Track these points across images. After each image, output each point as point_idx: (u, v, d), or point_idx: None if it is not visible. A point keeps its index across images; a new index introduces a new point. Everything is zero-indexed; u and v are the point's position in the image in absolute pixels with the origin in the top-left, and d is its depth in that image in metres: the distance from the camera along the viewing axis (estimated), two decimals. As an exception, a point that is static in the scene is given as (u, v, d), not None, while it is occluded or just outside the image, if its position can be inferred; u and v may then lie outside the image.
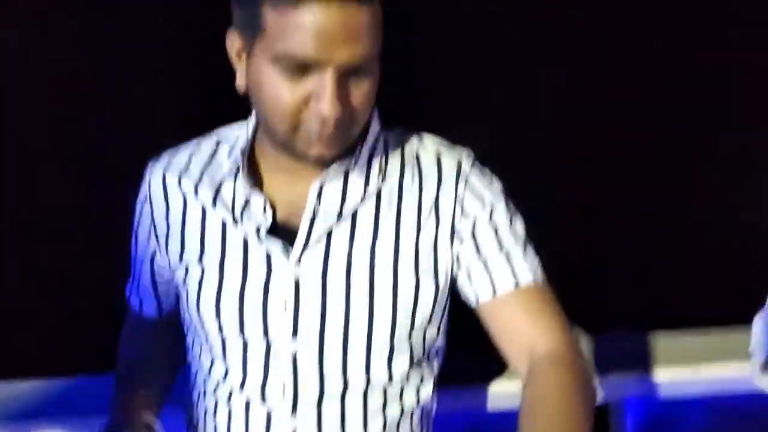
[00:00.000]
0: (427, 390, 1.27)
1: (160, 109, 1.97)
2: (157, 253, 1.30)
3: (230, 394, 1.23)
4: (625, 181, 2.20)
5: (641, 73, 2.16)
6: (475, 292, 1.21)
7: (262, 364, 1.20)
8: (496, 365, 1.47)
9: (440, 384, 1.32)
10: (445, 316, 1.26)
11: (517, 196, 1.27)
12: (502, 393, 1.58)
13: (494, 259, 1.19)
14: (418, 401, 1.25)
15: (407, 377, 1.22)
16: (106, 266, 1.56)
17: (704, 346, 1.83)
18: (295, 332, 1.18)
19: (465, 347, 1.41)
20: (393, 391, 1.22)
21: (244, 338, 1.20)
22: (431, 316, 1.22)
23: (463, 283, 1.22)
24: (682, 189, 2.25)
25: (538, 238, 1.27)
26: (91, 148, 2.00)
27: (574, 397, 1.11)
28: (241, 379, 1.21)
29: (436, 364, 1.30)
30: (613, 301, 2.16)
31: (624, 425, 1.84)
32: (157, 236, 1.28)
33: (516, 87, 2.08)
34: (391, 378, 1.21)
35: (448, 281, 1.23)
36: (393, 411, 1.22)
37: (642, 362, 1.75)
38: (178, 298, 1.33)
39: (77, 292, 2.05)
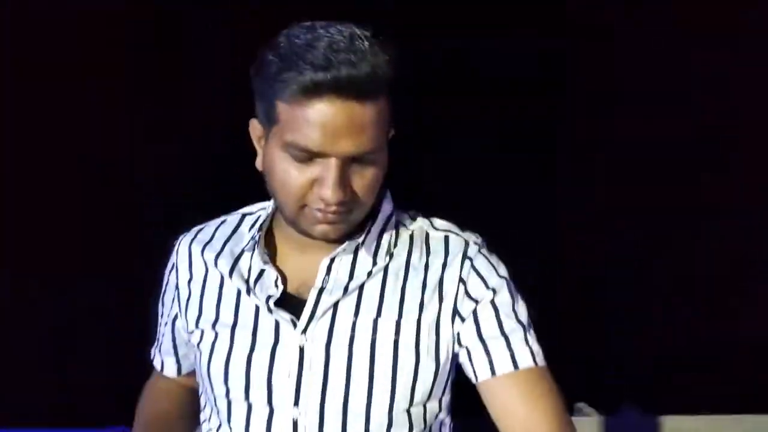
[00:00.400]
0: None
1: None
2: (179, 317, 1.35)
3: None
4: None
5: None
6: (474, 370, 1.23)
7: (264, 429, 1.23)
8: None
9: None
10: (447, 392, 1.28)
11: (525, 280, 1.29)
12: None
13: (494, 342, 1.22)
14: None
15: None
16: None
17: (715, 430, 1.83)
18: (297, 400, 1.21)
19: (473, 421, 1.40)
20: None
21: (248, 403, 1.24)
22: (431, 391, 1.23)
23: (463, 361, 1.25)
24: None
25: (549, 316, 1.29)
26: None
27: None
28: None
29: None
30: (627, 382, 2.15)
31: None
32: (179, 301, 1.34)
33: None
34: None
35: (449, 359, 1.25)
36: None
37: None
38: (195, 360, 1.37)
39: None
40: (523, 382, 1.21)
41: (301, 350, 1.22)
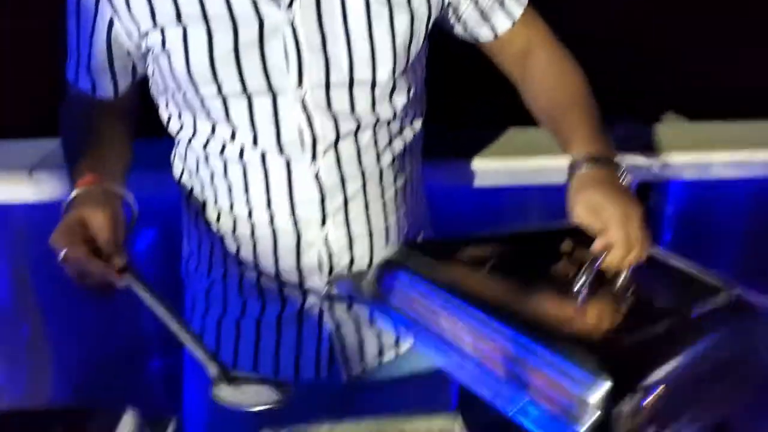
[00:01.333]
0: (419, 125, 1.34)
1: None
2: (116, 23, 1.21)
3: (241, 151, 1.23)
4: None
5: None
6: (492, 27, 1.32)
7: (272, 116, 1.20)
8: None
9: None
10: (426, 49, 1.31)
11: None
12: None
13: None
14: (414, 135, 1.33)
15: (405, 113, 1.29)
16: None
17: (745, 133, 1.88)
18: (300, 79, 1.18)
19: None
20: (395, 128, 1.28)
21: (247, 94, 1.19)
22: (422, 47, 1.26)
23: (475, 23, 1.31)
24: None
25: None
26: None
27: (567, 68, 1.31)
28: (252, 136, 1.22)
29: (422, 103, 1.35)
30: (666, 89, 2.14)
31: (665, 204, 1.97)
32: (111, 2, 1.19)
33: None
34: (394, 114, 1.26)
35: (440, 8, 1.27)
36: (398, 145, 1.30)
37: (688, 146, 1.82)
38: (135, 72, 1.29)
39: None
40: (525, 21, 1.32)
41: (293, 27, 1.17)
